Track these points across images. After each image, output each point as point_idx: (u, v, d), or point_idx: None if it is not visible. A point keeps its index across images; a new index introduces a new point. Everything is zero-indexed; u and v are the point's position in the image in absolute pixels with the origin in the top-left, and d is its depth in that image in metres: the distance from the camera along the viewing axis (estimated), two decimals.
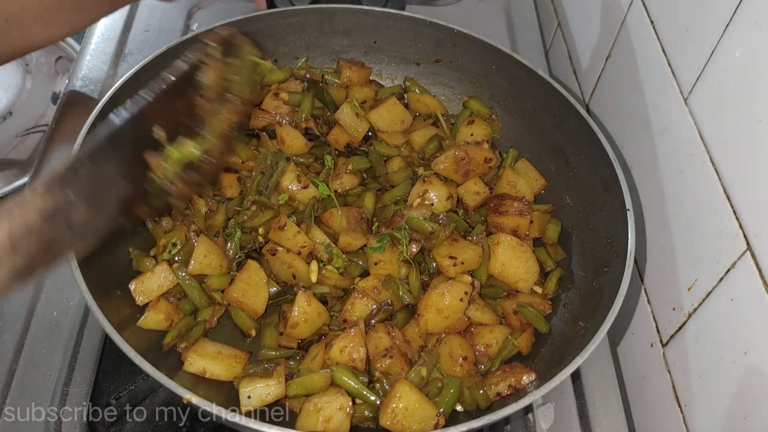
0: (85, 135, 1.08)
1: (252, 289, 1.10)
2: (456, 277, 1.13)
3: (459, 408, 1.03)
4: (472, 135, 1.32)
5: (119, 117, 0.72)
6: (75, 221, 0.65)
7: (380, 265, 1.14)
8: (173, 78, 0.78)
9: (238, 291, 1.10)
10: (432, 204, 1.23)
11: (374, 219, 1.23)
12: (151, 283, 1.08)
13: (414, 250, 1.15)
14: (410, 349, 1.07)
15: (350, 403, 0.97)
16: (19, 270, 0.61)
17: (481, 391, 1.02)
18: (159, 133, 0.75)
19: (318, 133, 1.32)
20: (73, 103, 1.48)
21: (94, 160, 0.68)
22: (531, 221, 1.22)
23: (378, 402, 1.00)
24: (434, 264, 1.17)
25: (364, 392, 1.00)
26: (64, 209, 0.63)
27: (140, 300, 1.07)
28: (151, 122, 0.74)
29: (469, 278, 1.14)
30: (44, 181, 0.63)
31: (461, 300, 1.08)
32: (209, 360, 1.01)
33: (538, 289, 1.18)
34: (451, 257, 1.14)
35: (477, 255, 1.15)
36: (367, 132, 1.35)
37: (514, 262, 1.16)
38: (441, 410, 0.99)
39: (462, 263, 1.14)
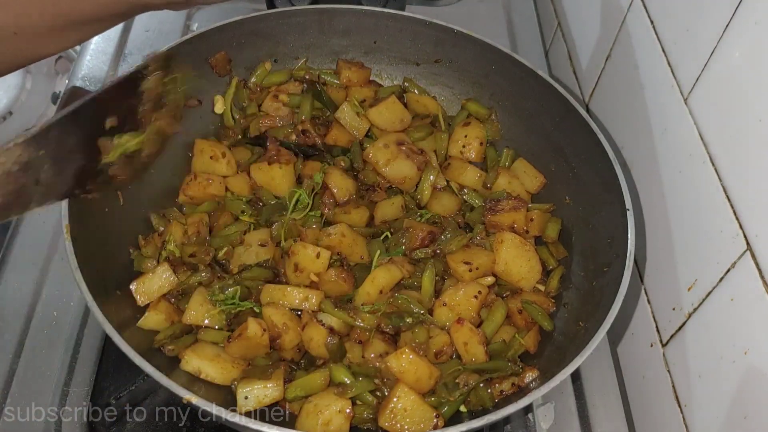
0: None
1: (252, 350, 1.04)
2: (475, 281, 1.14)
3: (462, 408, 1.03)
4: (465, 137, 1.33)
5: (79, 101, 0.92)
6: (42, 178, 0.83)
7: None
8: (123, 77, 0.97)
9: (238, 351, 1.04)
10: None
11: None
12: (153, 283, 1.08)
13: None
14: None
15: (350, 406, 0.97)
16: None
17: (489, 391, 1.02)
18: (111, 122, 0.94)
19: (315, 135, 1.31)
20: (74, 100, 1.48)
21: (60, 128, 0.86)
22: (531, 219, 1.22)
23: (376, 402, 1.00)
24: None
25: (363, 393, 1.00)
26: (35, 164, 0.81)
27: (141, 300, 1.07)
28: (103, 113, 0.94)
29: (492, 279, 1.16)
30: (23, 136, 0.80)
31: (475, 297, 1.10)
32: (206, 361, 1.01)
33: (541, 287, 1.18)
34: (466, 263, 1.14)
35: (491, 260, 1.16)
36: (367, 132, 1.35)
37: (517, 260, 1.16)
38: (441, 411, 0.99)
39: (477, 268, 1.14)
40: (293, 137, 1.31)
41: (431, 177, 1.28)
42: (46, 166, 0.83)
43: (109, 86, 0.95)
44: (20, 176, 0.79)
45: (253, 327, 1.01)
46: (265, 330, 1.02)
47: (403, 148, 1.28)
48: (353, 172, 1.29)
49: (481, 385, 1.03)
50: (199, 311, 1.06)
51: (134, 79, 0.97)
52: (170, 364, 1.01)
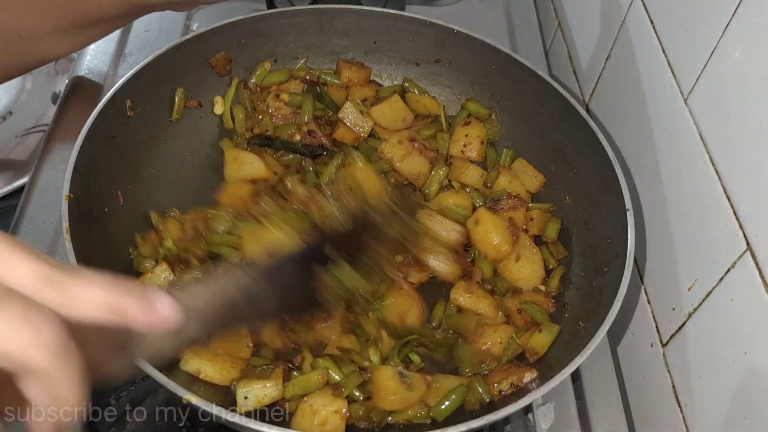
0: (85, 135, 1.08)
1: (233, 342, 1.04)
2: None
3: (415, 358, 1.05)
4: (466, 136, 1.33)
5: (313, 240, 0.93)
6: (261, 309, 0.79)
7: None
8: (361, 218, 0.96)
9: (220, 345, 1.03)
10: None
11: None
12: (152, 283, 1.08)
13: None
14: None
15: (346, 406, 0.97)
16: (209, 332, 0.72)
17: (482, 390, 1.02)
18: (335, 255, 0.90)
19: (321, 135, 1.31)
20: (76, 92, 1.49)
21: (291, 265, 0.84)
22: (531, 219, 1.22)
23: (362, 397, 1.01)
24: None
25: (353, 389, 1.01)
26: (258, 297, 0.77)
27: None
28: (331, 247, 0.91)
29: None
30: (256, 269, 0.78)
31: None
32: (206, 361, 1.00)
33: (541, 287, 1.18)
34: None
35: None
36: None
37: (520, 260, 1.16)
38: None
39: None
40: (297, 137, 1.32)
41: (441, 173, 1.28)
42: (268, 300, 0.80)
43: (349, 229, 0.96)
44: (242, 308, 0.75)
45: None
46: None
47: (416, 144, 1.29)
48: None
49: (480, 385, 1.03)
50: None
51: (371, 221, 0.97)
52: (170, 364, 1.01)
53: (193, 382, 1.00)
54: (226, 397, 0.99)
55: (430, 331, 1.10)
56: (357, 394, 1.01)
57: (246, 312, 0.76)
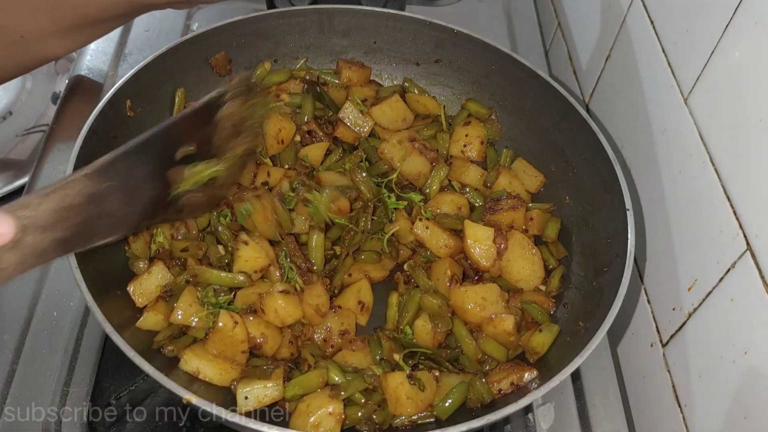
0: (85, 135, 1.08)
1: (230, 345, 1.02)
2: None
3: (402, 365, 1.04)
4: (467, 136, 1.33)
5: (150, 130, 0.87)
6: (109, 209, 0.78)
7: None
8: (199, 105, 0.91)
9: (215, 346, 1.02)
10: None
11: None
12: (150, 284, 1.07)
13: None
14: None
15: (342, 408, 0.97)
16: (59, 241, 0.72)
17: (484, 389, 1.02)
18: (184, 152, 0.88)
19: (321, 135, 1.31)
20: (76, 91, 1.50)
21: (128, 159, 0.81)
22: (531, 219, 1.22)
23: (363, 400, 1.01)
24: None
25: (355, 392, 1.00)
26: (102, 195, 0.76)
27: (140, 302, 1.06)
28: (176, 142, 0.87)
29: None
30: (91, 167, 0.76)
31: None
32: (205, 361, 1.00)
33: (542, 287, 1.18)
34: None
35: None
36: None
37: (519, 261, 1.16)
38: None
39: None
40: (297, 138, 1.32)
41: (442, 173, 1.28)
42: (113, 198, 0.78)
43: (183, 115, 0.90)
44: (85, 209, 0.74)
45: (224, 319, 1.01)
46: (236, 323, 1.01)
47: (416, 144, 1.29)
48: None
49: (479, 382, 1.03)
50: (187, 311, 1.05)
51: (210, 106, 0.91)
52: (170, 364, 1.01)
53: (193, 382, 1.00)
54: (226, 397, 0.99)
55: (440, 350, 1.09)
56: (358, 396, 1.01)
57: (97, 215, 0.74)
